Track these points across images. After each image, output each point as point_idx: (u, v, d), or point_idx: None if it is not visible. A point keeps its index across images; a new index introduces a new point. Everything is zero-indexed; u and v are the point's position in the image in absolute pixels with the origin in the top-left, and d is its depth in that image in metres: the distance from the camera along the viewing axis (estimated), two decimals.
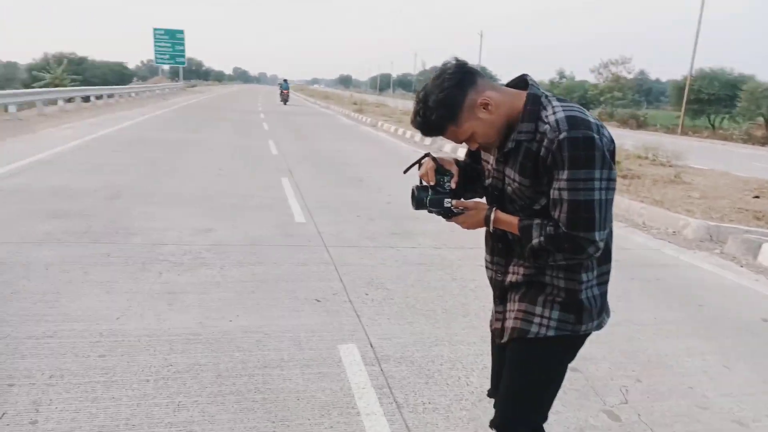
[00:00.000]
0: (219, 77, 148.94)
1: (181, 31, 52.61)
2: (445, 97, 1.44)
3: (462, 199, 1.66)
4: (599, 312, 1.58)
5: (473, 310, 3.74)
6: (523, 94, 1.49)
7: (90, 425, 2.25)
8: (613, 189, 1.41)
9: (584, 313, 1.54)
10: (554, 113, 1.41)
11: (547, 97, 1.47)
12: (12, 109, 14.99)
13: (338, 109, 32.98)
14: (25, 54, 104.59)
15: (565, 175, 1.38)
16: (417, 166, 1.69)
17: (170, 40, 51.98)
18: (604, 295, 1.59)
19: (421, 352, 3.09)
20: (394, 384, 2.74)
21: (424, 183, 1.65)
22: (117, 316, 3.25)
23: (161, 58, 53.15)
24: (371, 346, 3.12)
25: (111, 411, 2.35)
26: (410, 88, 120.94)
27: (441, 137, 1.58)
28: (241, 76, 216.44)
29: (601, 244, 1.43)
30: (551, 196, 1.43)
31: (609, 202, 1.41)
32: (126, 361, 2.76)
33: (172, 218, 5.56)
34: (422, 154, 1.68)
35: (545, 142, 1.40)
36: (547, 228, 1.44)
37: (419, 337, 3.27)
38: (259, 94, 57.56)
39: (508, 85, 1.57)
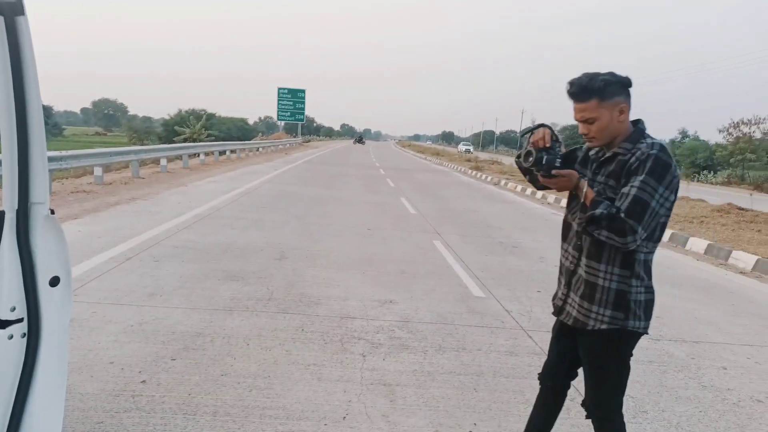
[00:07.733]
0: (329, 133, 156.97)
1: (303, 91, 56.13)
2: (616, 79, 1.89)
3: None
4: (645, 316, 1.96)
5: None
6: (631, 125, 1.97)
7: None
8: (666, 208, 1.86)
9: (630, 312, 1.94)
10: (652, 141, 1.91)
11: (648, 134, 1.96)
12: (163, 162, 16.13)
13: (453, 165, 32.85)
14: (158, 110, 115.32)
15: (640, 178, 1.83)
16: (530, 133, 2.06)
17: (292, 98, 55.60)
18: (648, 303, 1.97)
19: None
20: None
21: (539, 146, 1.99)
22: (342, 414, 2.83)
23: (283, 115, 56.80)
24: None
25: None
26: (513, 144, 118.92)
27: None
28: (347, 132, 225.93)
29: (639, 240, 1.82)
30: (622, 191, 1.86)
31: (658, 215, 1.85)
32: None
33: (345, 285, 5.25)
34: (537, 124, 2.06)
35: (638, 154, 1.87)
36: (612, 208, 1.83)
37: None
38: (369, 148, 59.38)
39: None
